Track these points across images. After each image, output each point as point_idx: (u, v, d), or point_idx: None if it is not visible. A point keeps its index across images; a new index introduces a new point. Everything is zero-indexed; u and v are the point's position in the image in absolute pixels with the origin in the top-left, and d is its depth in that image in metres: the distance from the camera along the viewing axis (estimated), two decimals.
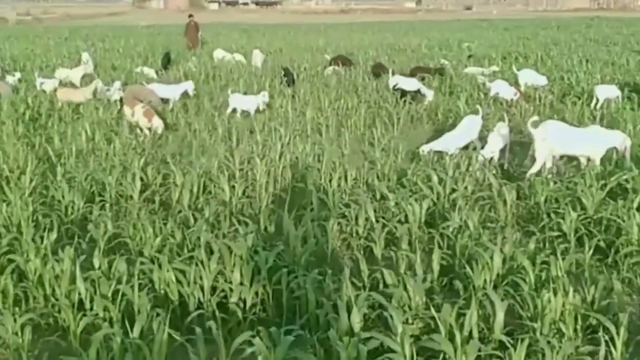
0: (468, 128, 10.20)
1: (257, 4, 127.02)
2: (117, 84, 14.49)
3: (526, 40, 32.32)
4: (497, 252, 5.63)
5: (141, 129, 11.55)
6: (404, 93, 14.34)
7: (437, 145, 9.82)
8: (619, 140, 8.87)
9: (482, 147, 9.74)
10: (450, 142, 9.85)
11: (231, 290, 5.38)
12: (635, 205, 7.08)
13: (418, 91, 14.73)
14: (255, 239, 6.01)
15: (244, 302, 5.35)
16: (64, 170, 8.66)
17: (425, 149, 9.79)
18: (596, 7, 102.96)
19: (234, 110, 13.39)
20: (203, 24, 30.52)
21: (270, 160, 9.01)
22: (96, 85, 14.27)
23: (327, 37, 37.56)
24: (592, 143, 8.78)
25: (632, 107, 13.34)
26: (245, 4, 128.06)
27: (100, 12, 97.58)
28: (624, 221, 6.51)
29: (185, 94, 14.71)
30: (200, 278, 5.42)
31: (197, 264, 5.50)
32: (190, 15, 28.74)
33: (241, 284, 5.42)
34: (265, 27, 52.25)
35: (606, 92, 14.03)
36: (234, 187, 8.01)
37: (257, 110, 13.41)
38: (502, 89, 14.29)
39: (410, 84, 15.04)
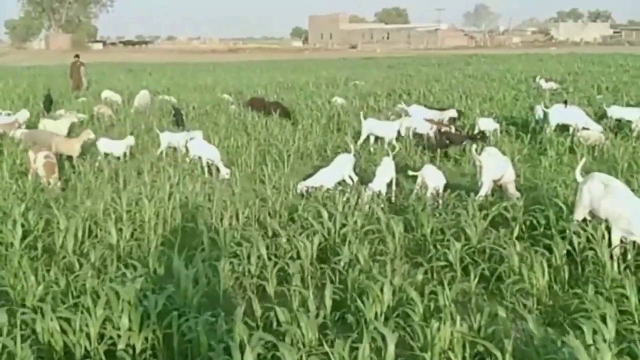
0: (340, 165, 10.62)
1: (124, 44, 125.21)
2: (130, 139, 13.30)
3: (409, 77, 33.42)
4: (387, 285, 5.74)
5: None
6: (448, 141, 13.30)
7: (312, 181, 10.18)
8: None
9: (358, 182, 10.17)
10: (324, 179, 10.21)
11: (119, 336, 5.20)
12: (515, 234, 7.42)
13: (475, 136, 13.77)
14: (144, 282, 5.85)
15: (133, 348, 5.18)
16: None
17: (301, 185, 10.11)
18: (474, 45, 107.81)
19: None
20: (88, 64, 29.82)
21: (159, 201, 8.83)
22: (88, 137, 12.88)
23: (216, 76, 37.53)
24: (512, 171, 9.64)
25: (510, 139, 14.04)
26: (113, 44, 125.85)
27: None
28: (505, 249, 6.78)
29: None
30: (87, 326, 5.22)
31: (82, 311, 5.30)
32: (76, 56, 28.00)
33: (130, 329, 5.25)
34: (151, 66, 51.66)
35: (487, 124, 14.76)
36: (121, 229, 7.79)
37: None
38: (419, 125, 14.65)
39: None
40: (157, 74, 41.38)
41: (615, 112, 15.75)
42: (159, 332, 5.27)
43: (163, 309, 5.46)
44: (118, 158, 12.68)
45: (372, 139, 14.29)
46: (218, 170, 11.74)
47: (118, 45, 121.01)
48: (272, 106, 18.41)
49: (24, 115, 16.39)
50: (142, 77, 38.10)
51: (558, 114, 14.76)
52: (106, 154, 12.65)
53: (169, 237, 7.91)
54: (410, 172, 9.94)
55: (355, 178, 10.45)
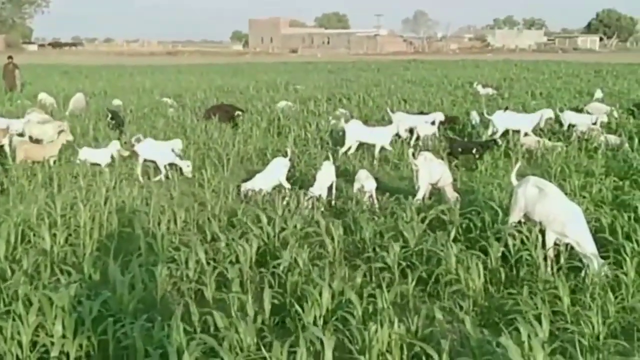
0: (275, 169, 10.60)
1: (53, 46, 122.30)
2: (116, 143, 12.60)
3: (349, 82, 33.62)
4: (326, 288, 5.74)
5: None
6: (464, 150, 12.78)
7: (250, 184, 10.20)
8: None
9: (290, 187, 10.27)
10: (260, 182, 10.22)
11: (52, 344, 5.07)
12: (452, 236, 7.53)
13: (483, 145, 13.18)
14: (78, 288, 5.74)
15: (67, 355, 5.06)
16: None
17: (244, 187, 10.18)
18: (412, 51, 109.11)
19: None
20: (22, 65, 29.12)
21: (95, 205, 8.67)
22: (66, 139, 12.27)
23: (154, 79, 37.07)
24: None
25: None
26: (42, 45, 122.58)
27: None
28: (442, 252, 6.86)
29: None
30: (19, 333, 5.09)
31: (14, 319, 5.16)
32: (10, 57, 27.38)
33: (63, 336, 5.13)
34: (87, 68, 50.70)
35: (425, 129, 14.98)
36: (55, 234, 7.61)
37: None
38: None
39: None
40: (94, 76, 40.60)
41: (570, 117, 16.07)
42: (94, 339, 5.16)
43: (98, 315, 5.36)
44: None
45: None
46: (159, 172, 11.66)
47: (47, 48, 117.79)
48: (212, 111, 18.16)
49: (20, 122, 14.85)
50: (78, 79, 37.35)
51: (502, 119, 15.04)
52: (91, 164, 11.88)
53: (104, 242, 7.76)
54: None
55: (287, 185, 10.42)
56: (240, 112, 17.70)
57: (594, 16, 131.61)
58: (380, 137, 13.39)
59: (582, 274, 6.59)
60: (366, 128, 13.85)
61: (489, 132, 14.86)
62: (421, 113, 17.44)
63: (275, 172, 10.47)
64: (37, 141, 13.50)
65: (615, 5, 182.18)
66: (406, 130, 14.65)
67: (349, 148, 13.43)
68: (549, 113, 16.07)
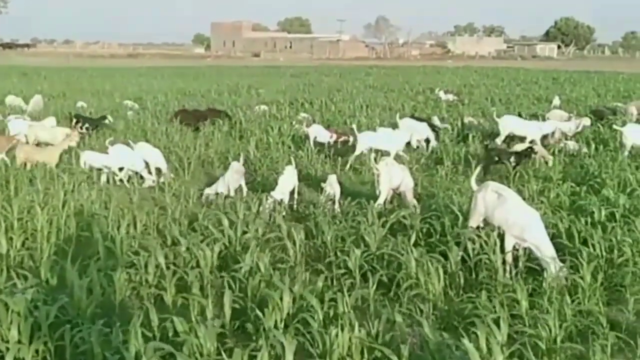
0: (232, 173, 10.52)
1: (3, 46, 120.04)
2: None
3: (311, 87, 33.67)
4: (286, 292, 5.74)
5: None
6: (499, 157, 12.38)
7: (212, 188, 10.27)
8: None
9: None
10: (219, 186, 10.27)
11: (8, 349, 4.98)
12: (412, 240, 7.57)
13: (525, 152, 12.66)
14: (35, 293, 5.65)
15: None
16: None
17: (207, 193, 10.25)
18: (374, 57, 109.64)
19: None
20: None
21: (53, 209, 8.53)
22: (69, 144, 12.24)
23: (115, 82, 36.65)
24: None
25: (408, 148, 14.36)
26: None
27: None
28: (403, 256, 6.90)
29: None
30: None
31: None
32: None
33: (19, 342, 5.05)
34: (47, 70, 49.93)
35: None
36: (11, 238, 7.49)
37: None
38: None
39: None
40: (53, 78, 40.02)
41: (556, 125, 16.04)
42: (51, 344, 5.09)
43: (55, 320, 5.29)
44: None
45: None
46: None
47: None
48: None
49: (19, 125, 14.63)
50: (37, 81, 36.75)
51: (510, 124, 15.04)
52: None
53: (62, 246, 7.65)
54: (323, 184, 9.97)
55: (245, 189, 10.40)
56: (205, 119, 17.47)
57: (552, 24, 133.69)
58: (391, 144, 13.20)
59: (541, 277, 6.68)
60: (377, 134, 13.70)
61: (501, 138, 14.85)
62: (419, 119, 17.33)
63: (228, 177, 10.40)
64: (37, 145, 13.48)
65: (574, 14, 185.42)
66: (418, 140, 14.62)
67: (361, 154, 13.24)
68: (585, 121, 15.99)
